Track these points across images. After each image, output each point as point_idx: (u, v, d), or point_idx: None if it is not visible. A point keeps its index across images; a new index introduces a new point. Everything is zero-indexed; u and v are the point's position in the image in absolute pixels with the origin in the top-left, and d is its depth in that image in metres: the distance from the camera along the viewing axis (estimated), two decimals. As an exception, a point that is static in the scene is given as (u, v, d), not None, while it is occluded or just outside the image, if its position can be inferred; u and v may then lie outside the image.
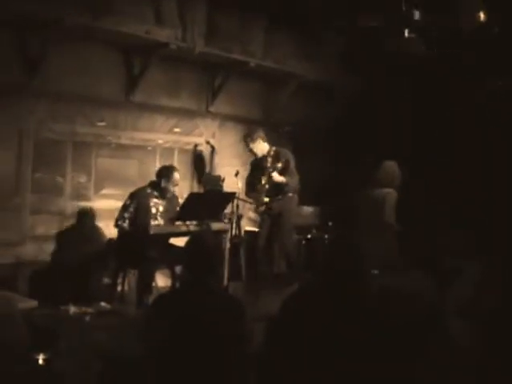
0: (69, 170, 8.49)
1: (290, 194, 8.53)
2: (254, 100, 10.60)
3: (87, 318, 5.89)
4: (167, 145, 9.60)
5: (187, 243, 4.47)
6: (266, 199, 8.43)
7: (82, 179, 8.64)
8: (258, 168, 8.59)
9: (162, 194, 7.69)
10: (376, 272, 6.28)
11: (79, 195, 8.62)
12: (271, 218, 8.59)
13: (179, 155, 9.72)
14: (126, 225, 7.43)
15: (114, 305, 6.81)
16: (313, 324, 3.81)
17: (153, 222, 7.56)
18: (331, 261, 4.02)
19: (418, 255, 5.00)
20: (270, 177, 8.32)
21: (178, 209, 7.60)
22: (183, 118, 9.73)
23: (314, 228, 10.33)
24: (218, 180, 8.61)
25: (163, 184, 7.64)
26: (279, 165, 8.31)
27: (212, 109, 10.01)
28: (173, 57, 9.06)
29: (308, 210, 10.55)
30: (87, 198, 8.67)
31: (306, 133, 10.81)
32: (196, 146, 9.90)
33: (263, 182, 8.46)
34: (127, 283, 7.72)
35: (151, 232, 7.16)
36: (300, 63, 10.37)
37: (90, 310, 6.11)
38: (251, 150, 8.57)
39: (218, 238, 7.86)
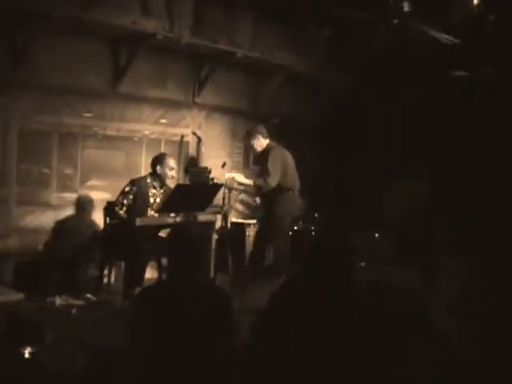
0: (55, 162, 8.48)
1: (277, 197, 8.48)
2: (241, 91, 10.59)
3: (73, 311, 5.88)
4: (154, 136, 9.59)
5: (172, 234, 4.47)
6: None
7: (68, 171, 8.61)
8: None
9: (161, 181, 7.70)
10: (363, 264, 6.31)
11: (65, 187, 8.60)
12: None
13: (166, 146, 9.70)
14: (122, 212, 7.40)
15: (101, 297, 6.80)
16: (301, 316, 3.88)
17: (150, 212, 7.56)
18: (319, 252, 4.03)
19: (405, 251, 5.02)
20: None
21: None
22: (170, 109, 9.73)
23: (301, 220, 10.33)
24: (205, 171, 8.58)
25: (159, 171, 7.64)
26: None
27: (198, 100, 10.01)
28: (159, 48, 9.03)
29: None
30: (73, 190, 8.66)
31: (292, 125, 10.82)
32: (182, 137, 9.88)
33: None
34: (113, 275, 7.71)
35: (137, 224, 7.13)
36: (287, 55, 10.37)
37: (76, 302, 6.11)
38: (251, 146, 8.54)
39: (205, 229, 7.84)
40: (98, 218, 7.78)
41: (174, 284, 4.27)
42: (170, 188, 7.78)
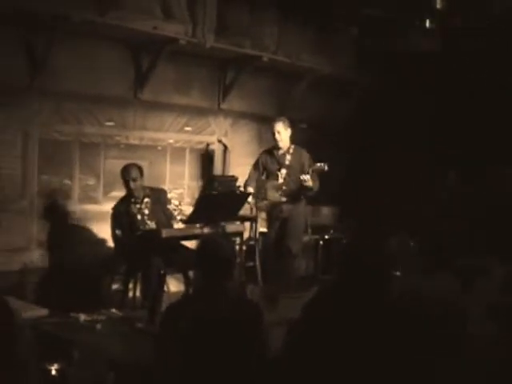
0: (76, 172, 8.48)
1: (301, 198, 8.48)
2: (268, 96, 10.56)
3: (98, 326, 5.89)
4: (178, 144, 9.56)
5: (200, 246, 4.46)
6: (284, 199, 8.39)
7: (91, 181, 8.62)
8: (272, 162, 8.57)
9: (133, 195, 7.56)
10: (398, 273, 6.27)
11: (88, 198, 8.61)
12: (280, 221, 8.51)
13: (191, 155, 9.71)
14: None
15: (126, 311, 6.81)
16: (334, 328, 3.80)
17: (146, 227, 7.54)
18: (353, 262, 4.01)
19: (439, 255, 4.98)
20: (298, 178, 8.22)
21: (170, 203, 7.59)
22: (194, 116, 9.71)
23: (332, 228, 10.33)
24: (232, 180, 8.59)
25: (122, 180, 7.52)
26: (308, 167, 8.28)
27: (224, 106, 10.01)
28: (182, 53, 9.05)
29: (325, 210, 10.56)
30: (96, 201, 8.66)
31: (321, 130, 10.82)
32: (208, 145, 9.89)
33: (280, 180, 8.44)
34: (139, 289, 7.73)
35: (163, 235, 7.16)
36: (314, 57, 10.37)
37: (100, 317, 6.12)
38: (275, 135, 8.40)
39: (233, 240, 7.85)
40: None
41: (203, 297, 4.25)
42: (161, 190, 7.82)
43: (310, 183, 8.11)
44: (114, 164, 8.82)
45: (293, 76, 10.54)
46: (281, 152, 8.48)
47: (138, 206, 7.58)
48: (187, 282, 7.55)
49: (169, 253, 7.24)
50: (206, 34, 8.84)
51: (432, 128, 10.55)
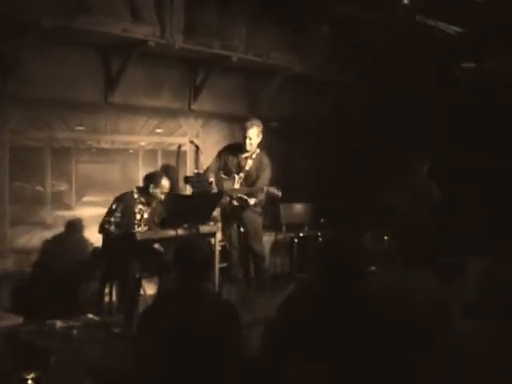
0: (48, 178, 8.44)
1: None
2: (239, 96, 10.58)
3: (75, 332, 5.88)
4: (150, 147, 9.55)
5: (177, 248, 4.47)
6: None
7: (63, 187, 8.59)
8: (232, 163, 8.51)
9: (149, 200, 7.65)
10: (373, 269, 6.30)
11: (60, 204, 8.57)
12: (236, 222, 8.50)
13: (163, 157, 9.69)
14: (113, 228, 7.38)
15: (102, 316, 6.80)
16: (310, 326, 3.82)
17: (137, 229, 7.54)
18: (328, 259, 4.02)
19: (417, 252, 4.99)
20: (252, 184, 8.33)
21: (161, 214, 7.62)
22: (165, 117, 9.69)
23: (306, 226, 10.35)
24: (205, 180, 8.56)
25: (151, 190, 7.60)
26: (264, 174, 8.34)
27: (195, 107, 9.99)
28: (152, 55, 9.03)
29: (299, 207, 10.59)
30: (69, 207, 8.63)
31: (294, 128, 10.84)
32: (180, 146, 9.88)
33: (236, 184, 8.43)
34: (115, 293, 7.71)
35: (138, 238, 7.14)
36: (285, 56, 10.37)
37: (77, 323, 6.10)
38: (246, 139, 8.33)
39: (208, 241, 7.85)
40: (96, 234, 7.74)
41: (180, 298, 4.27)
42: (159, 204, 7.80)
43: (274, 192, 8.16)
44: (86, 169, 8.81)
45: (264, 75, 10.56)
46: (244, 155, 8.48)
47: (143, 207, 7.64)
48: (162, 285, 7.53)
49: (144, 256, 7.23)
50: (175, 35, 8.82)
51: (408, 122, 10.60)
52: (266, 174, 8.36)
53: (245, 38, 9.79)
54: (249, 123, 8.35)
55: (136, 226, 7.57)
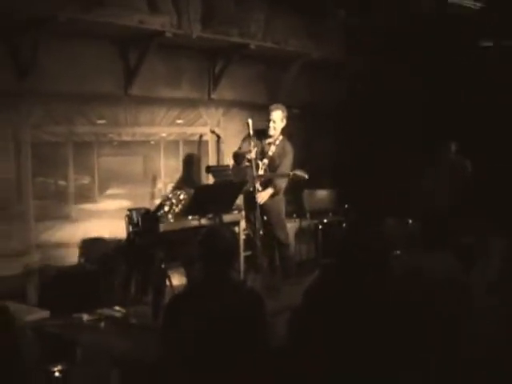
0: (71, 173, 8.48)
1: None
2: (258, 84, 10.59)
3: (102, 325, 5.90)
4: (171, 138, 9.55)
5: (202, 238, 4.46)
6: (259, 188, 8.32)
7: (86, 181, 8.62)
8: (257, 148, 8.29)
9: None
10: (398, 253, 6.27)
11: (84, 197, 8.61)
12: (257, 210, 8.19)
13: (184, 147, 9.70)
14: None
15: (129, 308, 6.82)
16: (336, 312, 3.83)
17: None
18: (350, 244, 4.02)
19: (439, 234, 4.97)
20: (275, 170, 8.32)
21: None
22: (185, 108, 9.69)
23: (331, 212, 10.34)
24: (227, 170, 8.55)
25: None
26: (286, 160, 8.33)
27: (215, 96, 10.00)
28: (170, 45, 9.03)
29: (323, 193, 10.57)
30: (93, 200, 8.66)
31: (315, 114, 10.82)
32: (201, 136, 9.88)
33: (260, 171, 8.35)
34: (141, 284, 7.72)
35: (161, 230, 7.16)
36: (303, 42, 10.36)
37: (103, 315, 6.12)
38: (269, 122, 8.29)
39: (232, 229, 7.84)
40: (121, 227, 7.77)
41: (206, 288, 4.28)
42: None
43: (301, 175, 8.06)
44: (109, 162, 8.83)
45: (283, 62, 10.55)
46: (268, 141, 8.43)
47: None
48: (189, 275, 7.54)
49: (169, 247, 7.24)
50: (192, 25, 8.82)
51: (427, 102, 10.55)
52: (288, 161, 8.33)
53: (262, 25, 9.77)
54: (273, 106, 8.34)
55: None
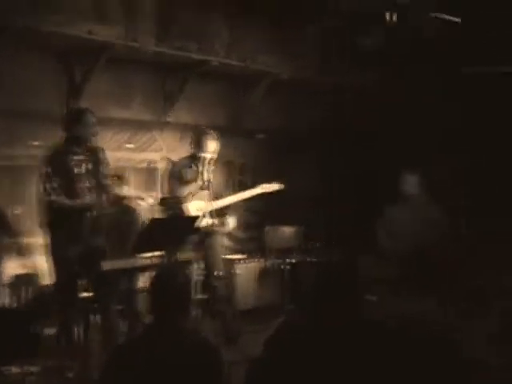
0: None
1: None
2: (220, 105, 10.52)
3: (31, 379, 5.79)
4: (118, 164, 9.29)
5: (154, 280, 4.32)
6: None
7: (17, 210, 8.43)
8: None
9: (80, 145, 6.96)
10: (374, 298, 6.19)
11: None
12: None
13: (134, 176, 9.51)
14: (58, 197, 6.77)
15: (63, 360, 6.63)
16: (303, 364, 3.73)
17: (81, 185, 6.98)
18: (323, 289, 3.91)
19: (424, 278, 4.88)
20: None
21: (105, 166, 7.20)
22: (137, 131, 9.57)
23: (299, 251, 10.22)
24: (182, 202, 8.40)
25: (78, 132, 6.92)
26: None
27: (171, 118, 9.88)
28: (121, 60, 8.96)
29: (289, 230, 10.42)
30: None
31: (284, 139, 10.75)
32: (150, 163, 9.72)
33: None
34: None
35: (103, 268, 6.92)
36: (272, 59, 10.27)
37: (33, 368, 6.01)
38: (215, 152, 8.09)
39: (187, 269, 7.71)
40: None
41: (154, 337, 4.10)
42: (103, 156, 7.23)
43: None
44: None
45: (248, 81, 10.49)
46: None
47: (77, 158, 6.99)
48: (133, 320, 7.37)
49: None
50: (147, 38, 8.74)
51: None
52: None
53: (226, 39, 9.69)
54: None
55: (78, 183, 6.94)
